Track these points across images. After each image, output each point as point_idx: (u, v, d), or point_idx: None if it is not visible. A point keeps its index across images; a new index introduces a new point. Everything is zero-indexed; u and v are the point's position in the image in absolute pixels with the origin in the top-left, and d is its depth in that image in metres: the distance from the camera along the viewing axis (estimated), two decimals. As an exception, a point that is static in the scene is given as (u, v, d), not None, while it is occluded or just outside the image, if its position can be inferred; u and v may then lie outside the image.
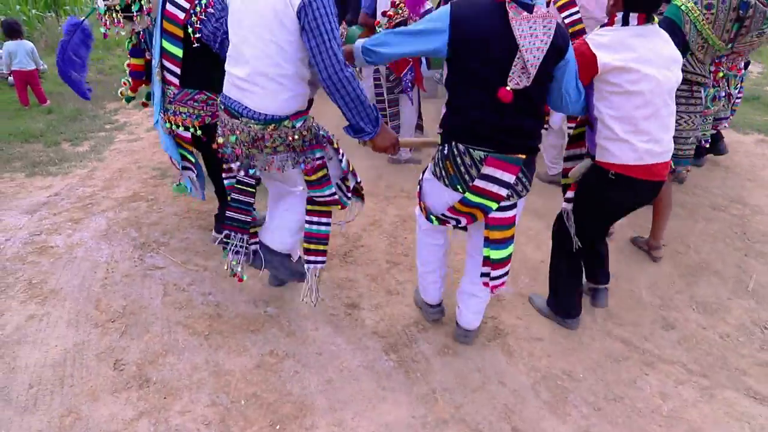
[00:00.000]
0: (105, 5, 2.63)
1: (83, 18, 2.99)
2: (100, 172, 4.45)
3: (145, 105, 3.31)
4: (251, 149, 2.33)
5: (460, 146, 2.16)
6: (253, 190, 2.51)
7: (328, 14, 2.10)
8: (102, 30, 2.84)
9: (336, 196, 2.50)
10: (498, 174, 2.15)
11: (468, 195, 2.20)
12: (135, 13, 2.64)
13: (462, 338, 2.67)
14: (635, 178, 2.35)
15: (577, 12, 3.80)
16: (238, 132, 2.31)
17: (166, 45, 2.65)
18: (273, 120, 2.25)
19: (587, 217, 2.58)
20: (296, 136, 2.30)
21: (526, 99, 2.08)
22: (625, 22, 2.25)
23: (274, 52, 2.16)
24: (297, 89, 2.26)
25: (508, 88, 2.01)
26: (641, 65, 2.20)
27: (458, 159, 2.17)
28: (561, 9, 3.82)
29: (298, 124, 2.30)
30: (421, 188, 2.44)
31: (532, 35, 1.99)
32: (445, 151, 2.21)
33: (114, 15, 2.66)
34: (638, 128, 2.28)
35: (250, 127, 2.27)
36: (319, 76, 2.16)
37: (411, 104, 4.44)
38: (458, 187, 2.21)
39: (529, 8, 2.03)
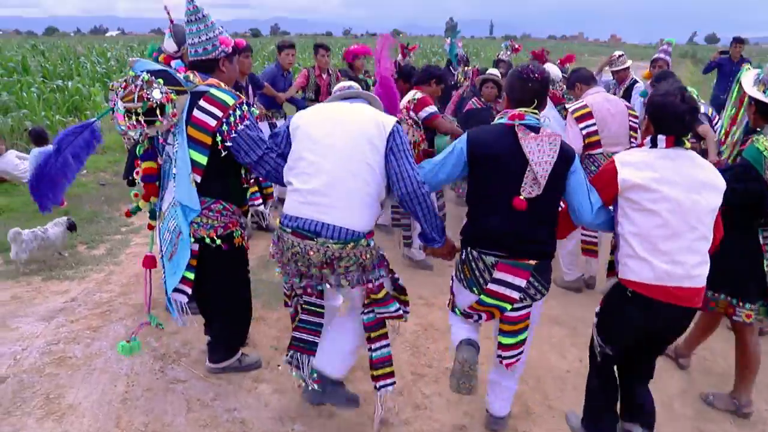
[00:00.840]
0: (125, 107, 2.38)
1: (96, 118, 2.75)
2: (117, 277, 4.45)
3: (151, 228, 2.90)
4: (323, 270, 2.35)
5: (474, 252, 2.41)
6: (323, 310, 2.53)
7: (408, 144, 2.43)
8: (119, 129, 2.80)
9: (400, 311, 2.55)
10: (509, 278, 2.35)
11: (483, 297, 2.41)
12: (159, 118, 2.40)
13: (494, 426, 2.76)
14: (653, 298, 2.28)
15: (594, 124, 4.02)
16: (312, 253, 2.31)
17: (189, 152, 2.50)
18: (353, 238, 2.32)
19: (605, 334, 2.51)
20: (368, 255, 2.37)
21: (539, 207, 2.32)
22: (654, 144, 2.33)
23: (363, 170, 2.34)
24: (375, 207, 2.41)
25: (521, 197, 2.28)
26: (662, 185, 2.25)
27: (473, 264, 2.41)
28: (579, 120, 4.06)
29: (372, 243, 2.40)
30: (452, 284, 2.66)
31: (540, 151, 2.29)
32: (463, 256, 2.48)
33: (134, 118, 2.39)
34: (657, 248, 2.26)
35: (327, 246, 2.30)
36: (402, 192, 2.37)
37: None
38: (474, 289, 2.43)
39: (536, 130, 2.35)
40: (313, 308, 2.52)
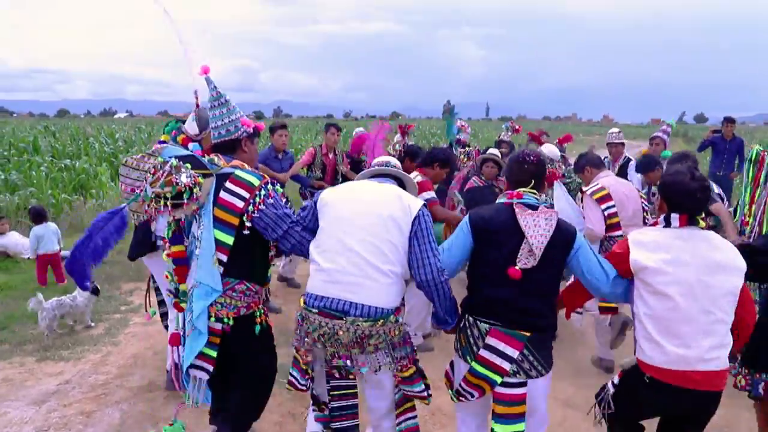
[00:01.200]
0: (154, 192, 2.44)
1: (125, 204, 2.81)
2: (114, 358, 4.32)
3: (180, 309, 2.76)
4: (352, 350, 2.34)
5: (471, 318, 2.46)
6: (355, 391, 2.47)
7: (432, 231, 2.46)
8: (144, 217, 2.87)
9: (425, 392, 2.53)
10: (501, 347, 2.34)
11: (474, 364, 2.39)
12: (186, 201, 2.43)
13: None
14: (668, 383, 2.22)
15: (614, 206, 4.04)
16: (341, 332, 2.30)
17: (216, 233, 2.50)
18: (382, 315, 2.34)
19: (620, 410, 2.49)
20: (397, 332, 2.39)
21: (534, 279, 2.36)
22: (667, 223, 2.35)
23: (388, 250, 2.38)
24: (400, 285, 2.45)
25: (516, 267, 2.34)
26: (673, 267, 2.23)
27: (468, 331, 2.45)
28: (600, 201, 4.07)
29: (400, 319, 2.42)
30: (451, 364, 2.66)
31: (536, 225, 2.37)
32: (461, 324, 2.51)
33: (162, 203, 2.44)
34: (670, 331, 2.23)
35: (357, 325, 2.30)
36: (421, 278, 2.40)
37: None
38: (467, 357, 2.43)
39: (534, 207, 2.44)
40: (344, 391, 2.46)
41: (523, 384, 2.36)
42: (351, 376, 2.44)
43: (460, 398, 2.50)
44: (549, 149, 5.13)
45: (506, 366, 2.34)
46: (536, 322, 2.37)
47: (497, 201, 2.60)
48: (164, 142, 3.20)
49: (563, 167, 6.16)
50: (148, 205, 2.47)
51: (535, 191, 2.52)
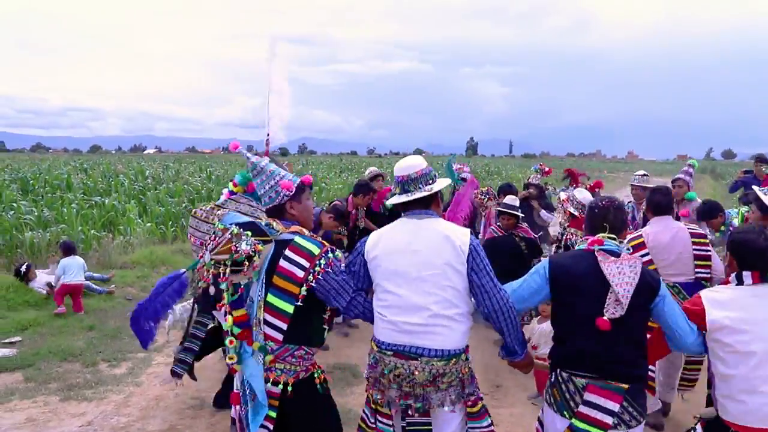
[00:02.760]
0: (213, 259, 2.45)
1: (185, 270, 2.78)
2: (137, 399, 4.31)
3: (234, 371, 2.67)
4: (427, 388, 2.37)
5: (564, 374, 2.39)
6: (431, 428, 2.48)
7: (485, 256, 2.45)
8: (201, 284, 2.61)
9: (492, 428, 2.55)
10: (601, 402, 2.30)
11: (574, 421, 2.33)
12: (245, 268, 2.43)
13: None
14: None
15: (647, 253, 3.93)
16: (417, 372, 2.36)
17: (274, 300, 2.47)
18: (455, 354, 2.39)
19: None
20: (466, 369, 2.44)
21: (623, 328, 2.31)
22: (740, 282, 2.37)
23: (451, 295, 2.40)
24: (468, 323, 2.48)
25: (605, 317, 2.30)
26: (751, 326, 2.26)
27: (563, 386, 2.38)
28: (634, 249, 3.95)
29: (469, 357, 2.47)
30: (541, 414, 2.62)
31: (620, 273, 2.33)
32: (552, 379, 2.46)
33: (221, 269, 2.43)
34: (756, 389, 2.22)
35: (432, 365, 2.36)
36: (488, 309, 2.41)
37: None
38: (565, 413, 2.37)
39: (616, 254, 2.42)
40: (419, 428, 2.48)
41: None
42: (426, 415, 2.44)
43: None
44: (581, 194, 5.06)
45: (608, 420, 2.30)
46: (631, 372, 2.35)
47: (577, 247, 2.59)
48: (233, 192, 3.19)
49: None
50: (207, 271, 2.46)
51: (614, 237, 2.50)
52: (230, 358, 2.54)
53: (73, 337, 5.80)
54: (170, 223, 11.86)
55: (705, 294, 2.42)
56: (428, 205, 2.56)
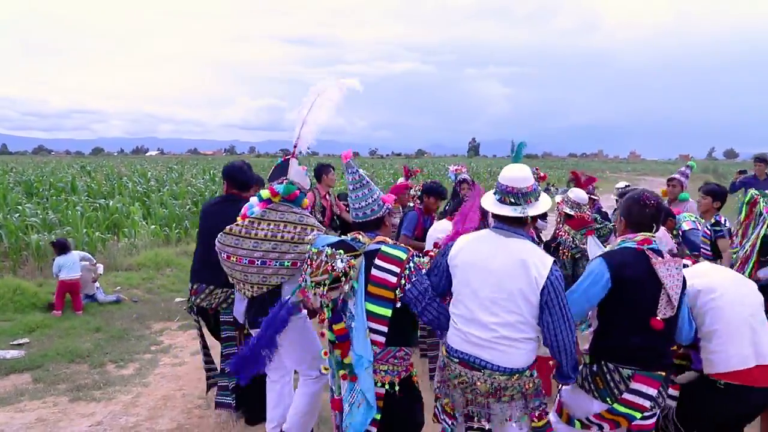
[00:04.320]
0: (313, 281, 2.62)
1: (288, 297, 2.93)
2: (144, 399, 4.38)
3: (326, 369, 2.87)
4: (489, 398, 2.43)
5: (610, 365, 2.53)
6: None
7: (563, 290, 2.41)
8: (301, 305, 3.00)
9: None
10: (644, 389, 2.49)
11: (616, 405, 2.51)
12: (341, 284, 2.59)
13: None
14: (746, 385, 2.60)
15: None
16: (479, 383, 2.43)
17: (372, 308, 2.59)
18: (518, 371, 2.43)
19: (687, 423, 2.78)
20: (531, 384, 2.46)
21: (669, 326, 2.53)
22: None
23: (516, 321, 2.40)
24: (535, 344, 2.50)
25: (658, 317, 2.46)
26: (719, 287, 2.72)
27: (608, 375, 2.53)
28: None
29: (534, 373, 2.50)
30: (561, 402, 2.78)
31: (670, 275, 2.48)
32: (595, 369, 2.58)
33: (321, 288, 2.61)
34: (733, 338, 2.64)
35: (494, 378, 2.41)
36: (551, 344, 2.42)
37: None
38: (607, 399, 2.53)
39: (660, 254, 2.55)
40: None
41: (654, 415, 2.57)
42: (487, 424, 2.49)
43: (587, 429, 2.66)
44: (575, 194, 5.08)
45: (647, 404, 2.50)
46: (669, 362, 2.60)
47: (621, 243, 2.62)
48: (269, 201, 3.19)
49: (592, 212, 6.01)
50: (312, 293, 2.63)
51: (654, 235, 2.61)
52: (325, 369, 2.75)
53: (81, 338, 5.87)
54: (174, 225, 11.93)
55: (684, 272, 2.67)
56: (521, 223, 2.50)
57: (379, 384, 2.60)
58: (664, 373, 2.52)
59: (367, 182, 2.79)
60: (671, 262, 2.51)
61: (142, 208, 13.09)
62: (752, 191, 3.88)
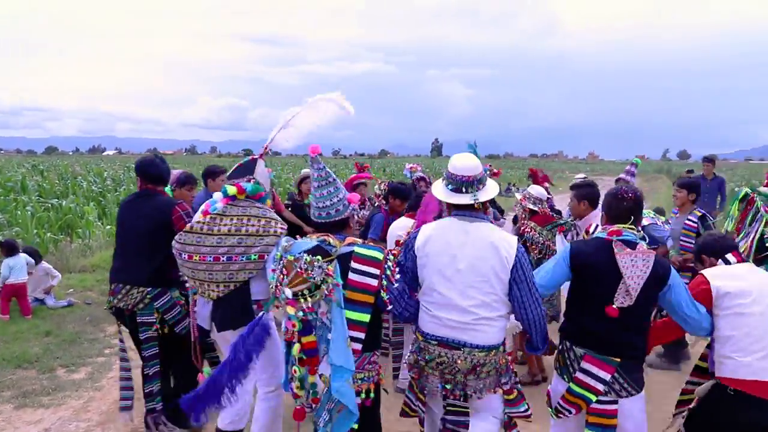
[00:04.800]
0: (293, 291, 2.41)
1: (262, 313, 2.62)
2: (97, 404, 4.22)
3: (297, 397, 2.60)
4: (468, 376, 2.49)
5: (568, 343, 2.68)
6: (468, 410, 2.58)
7: (530, 266, 2.55)
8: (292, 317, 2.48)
9: (529, 411, 2.67)
10: (594, 370, 2.56)
11: (571, 385, 2.62)
12: (321, 291, 2.40)
13: None
14: (753, 395, 2.49)
15: None
16: (459, 362, 2.47)
17: (350, 314, 2.44)
18: (495, 346, 2.52)
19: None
20: (503, 360, 2.56)
21: (628, 315, 2.54)
22: (726, 263, 2.73)
23: (492, 300, 2.50)
24: (506, 321, 2.61)
25: (614, 305, 2.52)
26: (751, 293, 2.58)
27: (566, 353, 2.68)
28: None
29: (506, 348, 2.60)
30: (548, 391, 2.85)
31: (633, 266, 2.51)
32: (560, 347, 2.74)
33: (305, 302, 2.40)
34: (752, 346, 2.52)
35: (474, 354, 2.48)
36: (522, 317, 2.54)
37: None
38: (564, 377, 2.66)
39: (633, 245, 2.57)
40: (458, 409, 2.58)
41: (614, 402, 2.57)
42: (465, 402, 2.56)
43: (559, 415, 2.70)
44: (536, 190, 5.17)
45: (600, 387, 2.56)
46: (627, 352, 2.58)
47: (596, 234, 2.77)
48: (234, 197, 3.08)
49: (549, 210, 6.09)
50: (293, 310, 2.41)
51: (633, 227, 2.65)
52: (297, 388, 2.49)
53: (29, 343, 5.61)
54: (131, 225, 11.61)
55: (707, 273, 2.69)
56: (478, 208, 2.59)
57: (356, 393, 2.46)
58: (618, 360, 2.54)
59: (334, 180, 2.66)
60: (639, 254, 2.53)
61: (97, 208, 12.70)
62: (746, 189, 3.82)
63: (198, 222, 3.04)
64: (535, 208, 4.96)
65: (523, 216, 5.06)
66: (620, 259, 2.53)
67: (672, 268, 2.65)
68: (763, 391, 2.47)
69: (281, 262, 2.48)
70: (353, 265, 2.46)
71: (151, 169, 3.68)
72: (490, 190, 2.64)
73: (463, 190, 2.56)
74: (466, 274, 2.48)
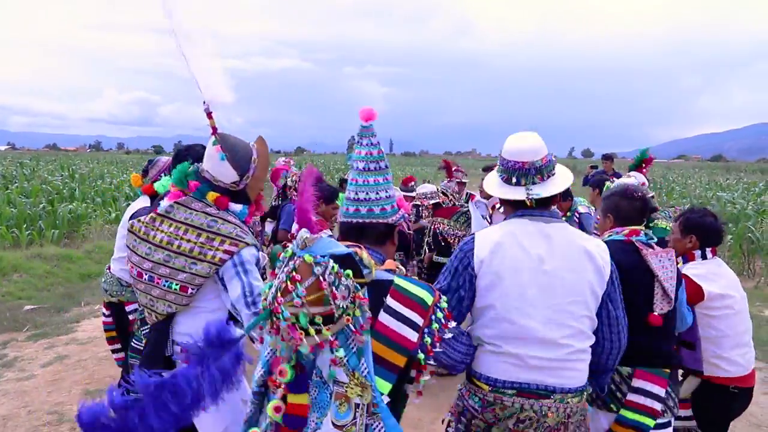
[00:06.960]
0: (295, 314, 1.35)
1: (244, 332, 1.54)
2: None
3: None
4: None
5: None
6: None
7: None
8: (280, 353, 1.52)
9: None
10: (648, 387, 2.23)
11: (623, 412, 2.22)
12: (341, 323, 1.45)
13: None
14: (750, 387, 2.64)
15: None
16: (550, 414, 1.86)
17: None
18: (584, 388, 1.96)
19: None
20: (586, 404, 2.05)
21: (667, 321, 2.32)
22: (704, 257, 2.69)
23: (587, 326, 1.92)
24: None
25: (656, 313, 2.26)
26: (735, 290, 2.66)
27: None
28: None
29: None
30: None
31: (663, 267, 2.30)
32: None
33: (325, 334, 1.42)
34: (739, 344, 2.61)
35: (567, 402, 1.88)
36: (608, 343, 1.98)
37: None
38: (612, 406, 2.26)
39: (651, 246, 2.38)
40: None
41: (669, 424, 2.30)
42: None
43: None
44: (426, 188, 5.36)
45: (657, 406, 2.21)
46: (672, 361, 2.35)
47: (608, 237, 2.41)
48: (180, 194, 2.24)
49: (462, 196, 6.15)
50: (284, 332, 1.42)
51: (644, 228, 2.47)
52: None
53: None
54: (25, 226, 10.70)
55: (691, 272, 2.63)
56: (548, 204, 1.99)
57: None
58: (668, 371, 2.29)
59: (387, 167, 1.77)
60: (663, 253, 2.34)
61: (-16, 207, 11.60)
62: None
63: (139, 221, 2.28)
64: (437, 200, 5.11)
65: (428, 215, 5.19)
66: (650, 259, 2.28)
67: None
68: (750, 380, 2.64)
69: (291, 262, 1.45)
70: (389, 302, 1.54)
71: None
72: (559, 181, 1.99)
73: (514, 181, 1.97)
74: (559, 295, 1.87)
